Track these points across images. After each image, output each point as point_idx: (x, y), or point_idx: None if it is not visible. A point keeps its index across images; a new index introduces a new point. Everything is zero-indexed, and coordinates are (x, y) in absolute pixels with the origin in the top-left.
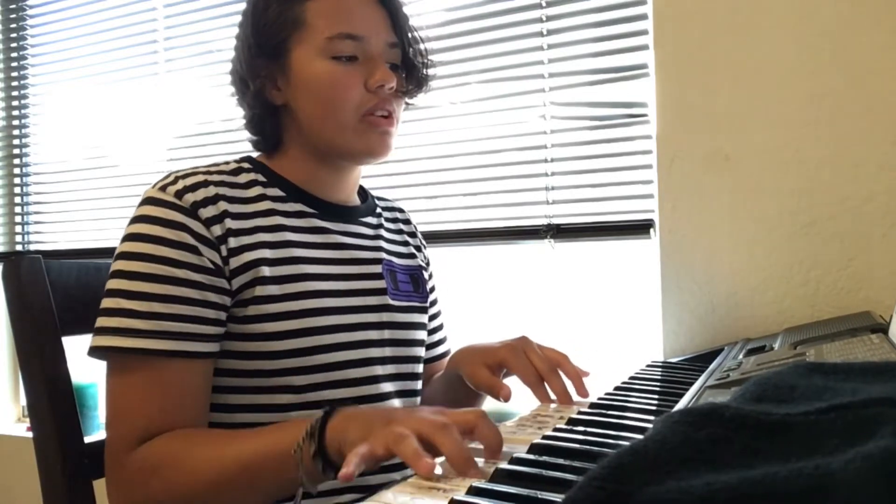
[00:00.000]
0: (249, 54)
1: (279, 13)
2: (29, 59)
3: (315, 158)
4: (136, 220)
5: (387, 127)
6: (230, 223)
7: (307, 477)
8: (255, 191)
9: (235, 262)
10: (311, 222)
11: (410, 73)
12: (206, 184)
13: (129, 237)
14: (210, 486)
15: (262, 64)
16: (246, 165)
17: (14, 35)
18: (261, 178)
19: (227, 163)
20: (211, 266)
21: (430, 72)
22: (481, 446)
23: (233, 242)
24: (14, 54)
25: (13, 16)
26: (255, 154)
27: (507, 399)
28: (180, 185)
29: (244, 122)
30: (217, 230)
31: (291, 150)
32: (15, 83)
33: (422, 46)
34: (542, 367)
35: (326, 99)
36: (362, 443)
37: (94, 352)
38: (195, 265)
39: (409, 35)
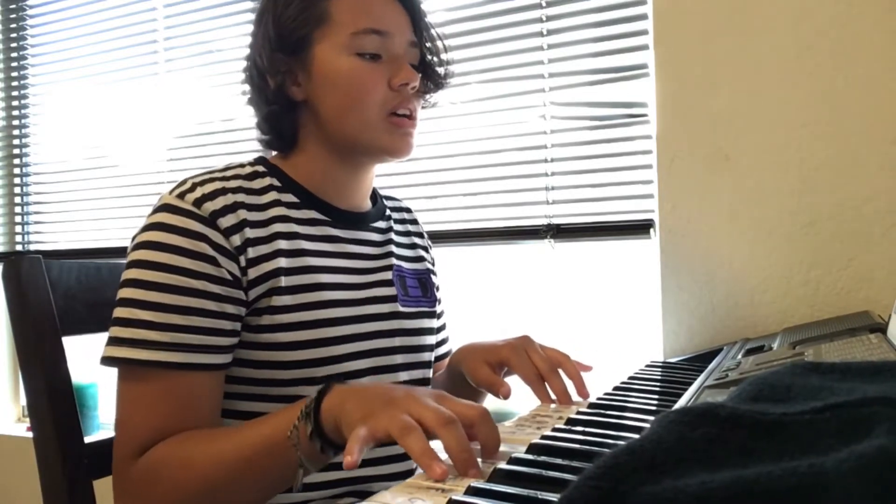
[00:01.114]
0: (270, 49)
1: (302, 8)
2: (29, 59)
3: (332, 158)
4: (152, 227)
5: (409, 128)
6: (249, 232)
7: (305, 457)
8: (270, 196)
9: (254, 272)
10: (324, 230)
11: (428, 73)
12: (224, 191)
13: (144, 245)
14: (212, 481)
15: (283, 59)
16: (260, 169)
17: (14, 35)
18: (276, 182)
19: (241, 165)
20: (229, 277)
21: (448, 73)
22: (478, 446)
23: (251, 253)
24: (14, 54)
25: (13, 16)
26: (268, 155)
27: (506, 397)
28: (198, 192)
29: (258, 120)
30: (236, 240)
31: (308, 149)
32: (15, 83)
33: (440, 47)
34: (543, 366)
35: (351, 95)
36: (362, 423)
37: (108, 361)
38: (213, 276)
39: (429, 36)
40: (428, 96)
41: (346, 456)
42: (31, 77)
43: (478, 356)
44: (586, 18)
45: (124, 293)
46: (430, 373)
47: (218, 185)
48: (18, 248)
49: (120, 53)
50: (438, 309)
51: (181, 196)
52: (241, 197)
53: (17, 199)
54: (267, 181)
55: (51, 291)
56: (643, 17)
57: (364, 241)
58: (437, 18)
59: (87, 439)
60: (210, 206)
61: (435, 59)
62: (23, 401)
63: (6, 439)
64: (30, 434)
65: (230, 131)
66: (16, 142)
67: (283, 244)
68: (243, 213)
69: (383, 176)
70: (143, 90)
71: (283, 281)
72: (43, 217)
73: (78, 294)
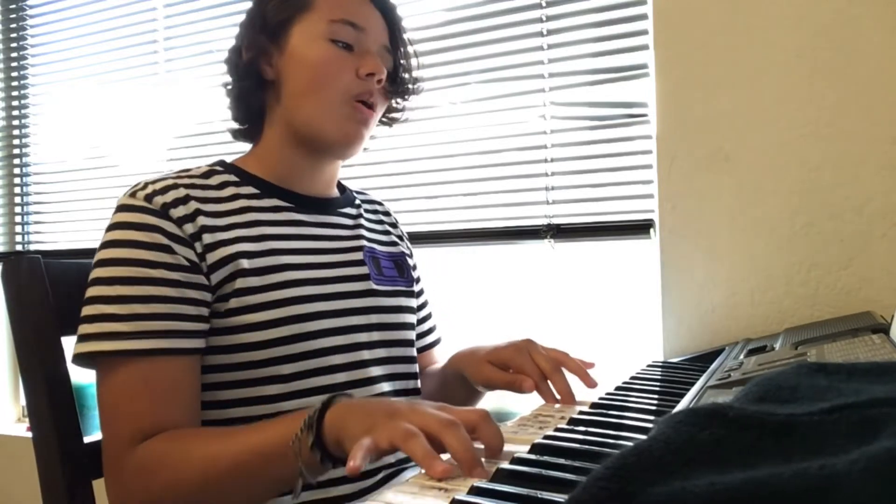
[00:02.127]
0: (253, 30)
1: None
2: (29, 59)
3: (291, 144)
4: (110, 227)
5: (366, 117)
6: (203, 220)
7: (305, 468)
8: (229, 191)
9: (212, 257)
10: (288, 215)
11: (397, 81)
12: (175, 186)
13: (104, 245)
14: (208, 483)
15: (262, 40)
16: (218, 168)
17: (14, 35)
18: (233, 178)
19: (197, 167)
20: (186, 263)
21: (417, 87)
22: (481, 446)
23: (208, 238)
24: (14, 54)
25: (13, 16)
26: (228, 158)
27: (531, 389)
28: (149, 189)
29: (230, 104)
30: (189, 228)
31: (270, 135)
32: (15, 83)
33: (413, 60)
34: (547, 366)
35: (317, 77)
36: (365, 435)
37: (78, 359)
38: (170, 264)
39: (403, 45)
40: (394, 102)
41: (349, 461)
42: (31, 77)
43: (481, 358)
44: (586, 18)
45: (89, 293)
46: (412, 350)
47: (169, 182)
48: (18, 248)
49: (120, 53)
50: (420, 300)
51: (133, 195)
52: (193, 192)
53: (17, 199)
54: (224, 177)
55: (51, 291)
56: (643, 17)
57: (331, 225)
58: (438, 18)
59: (87, 439)
60: (161, 199)
61: (405, 67)
62: (23, 401)
63: (6, 439)
64: (30, 434)
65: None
66: (16, 142)
67: (242, 231)
68: (195, 204)
69: (383, 176)
70: (143, 90)
71: (246, 263)
72: (43, 217)
73: (78, 294)
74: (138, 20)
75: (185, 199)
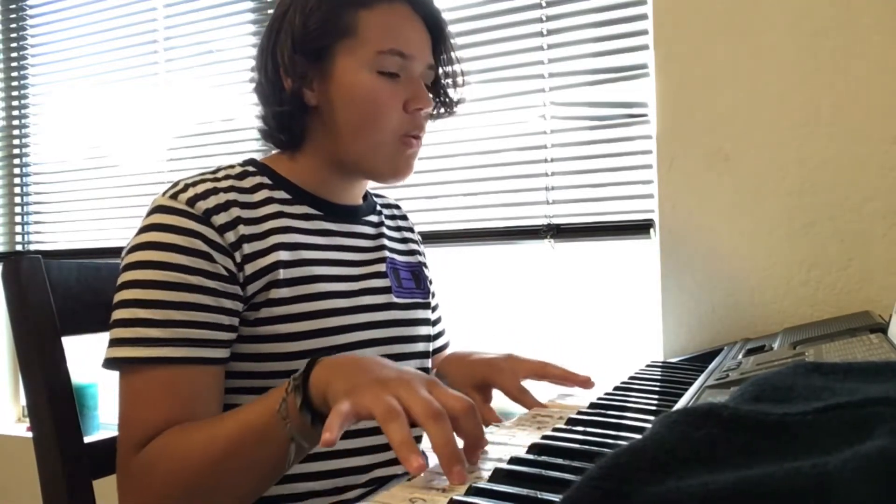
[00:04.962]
0: (291, 50)
1: (329, 17)
2: (29, 59)
3: (332, 166)
4: (147, 228)
5: (415, 148)
6: (244, 229)
7: (296, 431)
8: (262, 194)
9: (251, 267)
10: (317, 224)
11: (440, 96)
12: (216, 191)
13: (140, 246)
14: (205, 468)
15: (302, 62)
16: (251, 169)
17: (14, 35)
18: (266, 180)
19: (231, 166)
20: (225, 273)
21: (460, 100)
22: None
23: (247, 248)
24: (14, 54)
25: (13, 16)
26: (258, 156)
27: (487, 424)
28: (191, 192)
29: (265, 114)
30: (231, 237)
31: (309, 153)
32: (15, 83)
33: (458, 72)
34: (536, 367)
35: (367, 114)
36: (346, 397)
37: (110, 364)
38: (209, 272)
39: (448, 61)
40: (436, 118)
41: (324, 432)
42: (31, 77)
43: (465, 377)
44: (586, 18)
45: (123, 295)
46: (427, 363)
47: (209, 185)
48: (18, 248)
49: (120, 53)
50: (433, 302)
51: (174, 196)
52: (233, 195)
53: (17, 199)
54: (257, 179)
55: (51, 291)
56: (643, 17)
57: (357, 234)
58: None
59: (87, 439)
60: (203, 205)
61: (450, 83)
62: (23, 401)
63: (6, 439)
64: (30, 434)
65: (230, 131)
66: (16, 142)
67: (279, 238)
68: (236, 211)
69: None
70: (143, 90)
71: (282, 273)
72: (43, 217)
73: (78, 294)
74: (138, 20)
75: (226, 206)
